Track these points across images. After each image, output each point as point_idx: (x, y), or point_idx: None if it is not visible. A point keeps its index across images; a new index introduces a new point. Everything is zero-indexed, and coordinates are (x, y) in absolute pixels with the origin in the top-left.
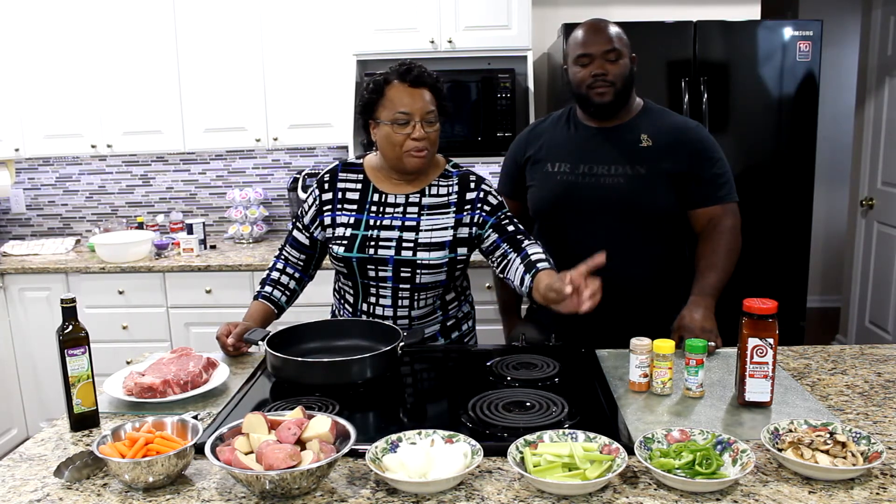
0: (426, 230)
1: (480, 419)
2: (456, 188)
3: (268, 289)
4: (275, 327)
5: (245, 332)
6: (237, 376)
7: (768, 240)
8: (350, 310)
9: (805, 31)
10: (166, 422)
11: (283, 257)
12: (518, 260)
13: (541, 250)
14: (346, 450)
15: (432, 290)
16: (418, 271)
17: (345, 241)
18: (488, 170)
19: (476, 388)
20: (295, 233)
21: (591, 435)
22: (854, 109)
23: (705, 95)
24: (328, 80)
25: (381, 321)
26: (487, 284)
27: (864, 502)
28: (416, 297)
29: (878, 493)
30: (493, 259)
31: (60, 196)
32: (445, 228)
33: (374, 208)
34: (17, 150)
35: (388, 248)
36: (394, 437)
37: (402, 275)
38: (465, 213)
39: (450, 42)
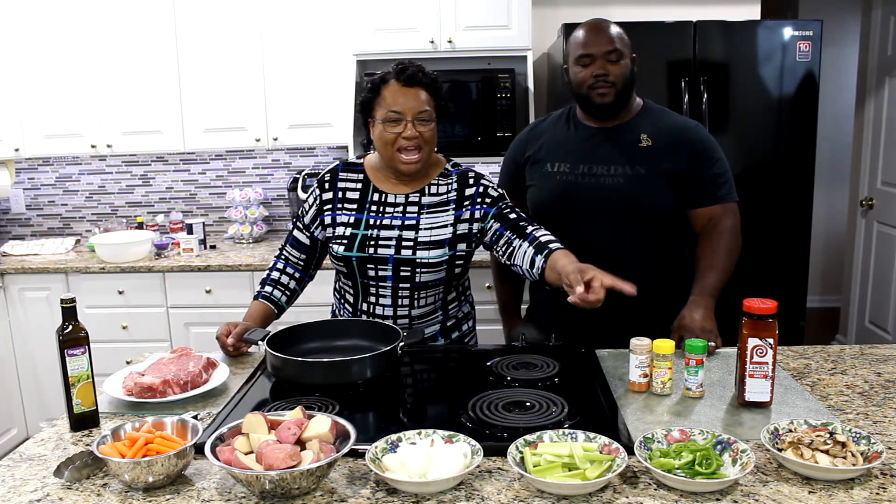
0: (426, 229)
1: (480, 419)
2: (455, 186)
3: (268, 289)
4: (275, 327)
5: (245, 332)
6: (237, 376)
7: (768, 240)
8: (350, 309)
9: (805, 31)
10: (166, 422)
11: (283, 257)
12: (525, 244)
13: (549, 233)
14: (345, 450)
15: (432, 289)
16: (418, 270)
17: (345, 241)
18: (488, 170)
19: (476, 388)
20: (295, 232)
21: (591, 435)
22: (854, 109)
23: (705, 95)
24: (328, 80)
25: (381, 321)
26: (487, 284)
27: (864, 502)
28: (416, 297)
29: (878, 493)
30: (498, 248)
31: (60, 196)
32: (445, 226)
33: (374, 208)
34: (17, 150)
35: (388, 247)
36: (394, 437)
37: (402, 274)
38: (464, 209)
39: (450, 42)
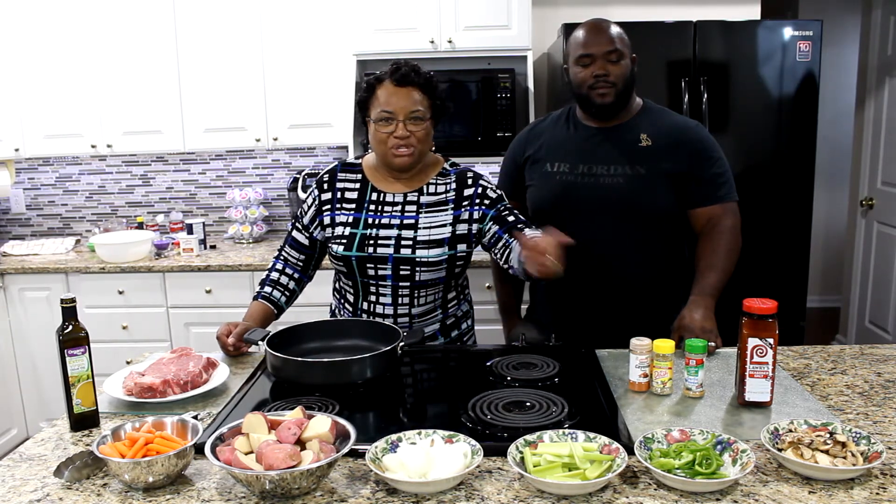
0: (425, 228)
1: (480, 419)
2: (454, 185)
3: (267, 289)
4: (275, 327)
5: (245, 332)
6: (237, 376)
7: (768, 240)
8: (350, 309)
9: (805, 31)
10: (166, 422)
11: (282, 258)
12: (519, 246)
13: (540, 233)
14: (346, 450)
15: (432, 287)
16: (418, 269)
17: (344, 240)
18: (488, 170)
19: (476, 388)
20: (294, 233)
21: (591, 435)
22: (854, 109)
23: (705, 95)
24: (328, 80)
25: (381, 321)
26: (487, 284)
27: (864, 502)
28: (415, 296)
29: (877, 493)
30: (496, 251)
31: (60, 196)
32: (444, 225)
33: (372, 207)
34: (17, 150)
35: (387, 246)
36: (394, 437)
37: (402, 273)
38: (463, 209)
39: (450, 42)
